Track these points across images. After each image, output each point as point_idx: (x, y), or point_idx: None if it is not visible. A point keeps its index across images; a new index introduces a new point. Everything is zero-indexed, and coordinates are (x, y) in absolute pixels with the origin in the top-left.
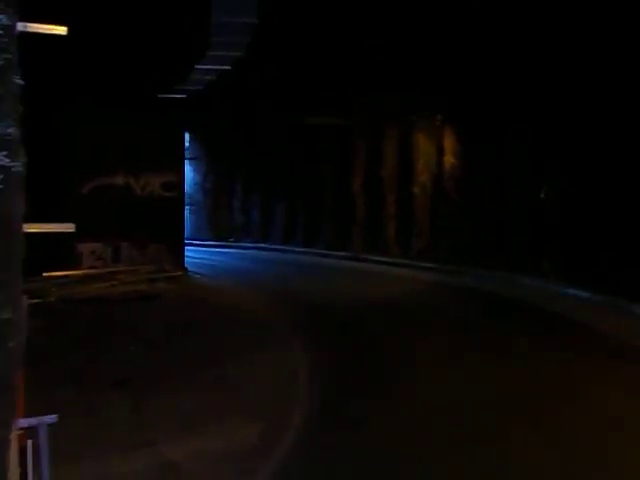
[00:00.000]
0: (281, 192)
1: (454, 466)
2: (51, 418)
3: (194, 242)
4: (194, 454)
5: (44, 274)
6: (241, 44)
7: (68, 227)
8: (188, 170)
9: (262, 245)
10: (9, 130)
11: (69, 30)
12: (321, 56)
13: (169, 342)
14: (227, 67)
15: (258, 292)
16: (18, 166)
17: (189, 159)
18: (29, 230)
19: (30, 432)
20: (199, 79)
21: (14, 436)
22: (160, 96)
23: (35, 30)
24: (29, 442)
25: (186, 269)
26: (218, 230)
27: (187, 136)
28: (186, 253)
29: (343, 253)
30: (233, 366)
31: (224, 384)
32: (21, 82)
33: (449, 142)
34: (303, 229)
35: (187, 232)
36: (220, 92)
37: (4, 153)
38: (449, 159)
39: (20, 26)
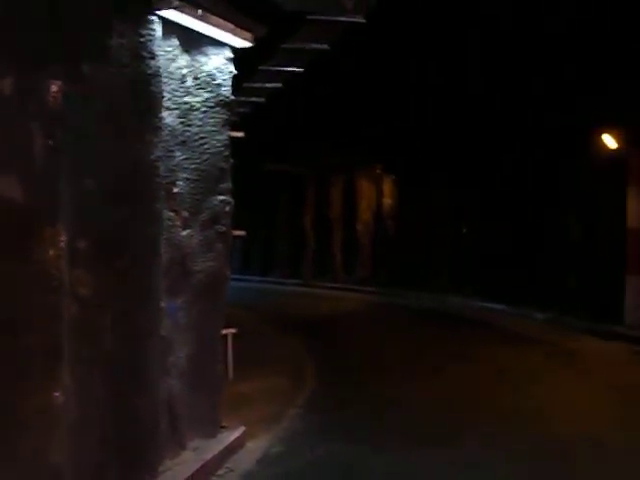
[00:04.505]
0: (239, 228)
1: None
2: (233, 330)
3: None
4: (254, 390)
5: None
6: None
7: (241, 232)
8: None
9: None
10: (229, 185)
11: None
12: (281, 124)
13: None
14: None
15: (232, 308)
16: (232, 203)
17: None
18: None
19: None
20: None
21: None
22: None
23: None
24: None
25: None
26: None
27: None
28: None
29: (295, 280)
30: (252, 347)
31: (253, 356)
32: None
33: (387, 187)
34: (259, 260)
35: None
36: None
37: (230, 196)
38: (387, 201)
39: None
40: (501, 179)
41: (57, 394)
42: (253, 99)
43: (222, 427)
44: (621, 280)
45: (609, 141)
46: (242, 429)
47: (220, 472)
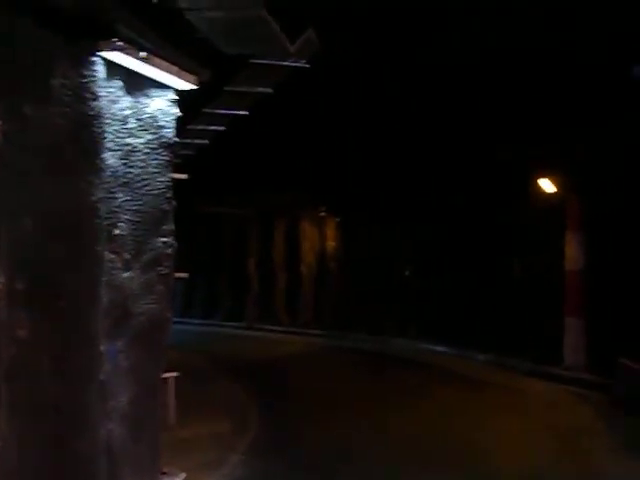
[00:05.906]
0: (181, 270)
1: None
2: (175, 374)
3: None
4: (195, 435)
5: None
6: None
7: (184, 275)
8: None
9: None
10: (172, 226)
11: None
12: (223, 165)
13: None
14: None
15: (173, 351)
16: (174, 245)
17: None
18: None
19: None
20: None
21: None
22: None
23: (176, 177)
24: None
25: None
26: None
27: None
28: None
29: (238, 323)
30: (194, 391)
31: (195, 400)
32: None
33: (331, 229)
34: (202, 303)
35: None
36: None
37: (172, 238)
38: (331, 243)
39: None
40: (444, 219)
41: None
42: (197, 141)
43: (162, 473)
44: (561, 322)
45: (547, 186)
46: (183, 475)
47: None
